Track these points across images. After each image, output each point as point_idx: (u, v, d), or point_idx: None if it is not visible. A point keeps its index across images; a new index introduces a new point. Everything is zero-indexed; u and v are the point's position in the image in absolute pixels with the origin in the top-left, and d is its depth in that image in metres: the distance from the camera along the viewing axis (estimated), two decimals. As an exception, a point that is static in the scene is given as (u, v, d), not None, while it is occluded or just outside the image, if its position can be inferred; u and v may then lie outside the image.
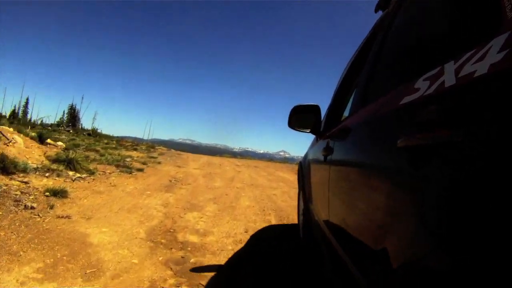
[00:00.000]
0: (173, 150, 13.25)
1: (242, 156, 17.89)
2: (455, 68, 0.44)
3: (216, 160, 11.06)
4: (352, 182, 0.88)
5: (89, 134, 14.10)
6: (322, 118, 1.65)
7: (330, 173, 1.15)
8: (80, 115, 20.63)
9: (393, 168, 0.59)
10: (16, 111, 19.46)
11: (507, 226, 0.30)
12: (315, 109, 1.60)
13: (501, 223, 0.30)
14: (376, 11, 1.14)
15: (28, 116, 19.17)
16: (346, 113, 1.54)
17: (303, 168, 2.24)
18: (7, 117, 15.37)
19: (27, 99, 19.71)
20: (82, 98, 28.94)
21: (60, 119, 19.62)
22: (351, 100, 1.38)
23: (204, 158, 11.06)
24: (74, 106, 20.35)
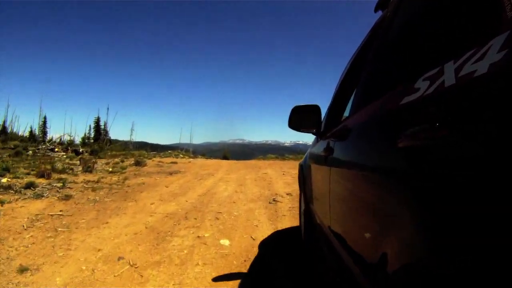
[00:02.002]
0: (185, 162, 10.52)
1: (293, 153, 14.76)
2: (455, 68, 0.44)
3: (235, 175, 6.86)
4: (353, 183, 0.88)
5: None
6: (322, 119, 1.65)
7: (331, 173, 1.15)
8: (108, 127, 19.74)
9: (394, 168, 0.59)
10: (33, 131, 18.53)
11: (507, 226, 0.29)
12: (315, 109, 1.60)
13: (502, 223, 0.30)
14: (375, 11, 1.14)
15: (48, 136, 18.14)
16: (346, 114, 1.54)
17: (304, 169, 2.24)
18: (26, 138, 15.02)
19: (45, 118, 18.64)
20: (108, 109, 27.42)
21: (85, 135, 18.67)
22: (351, 100, 1.38)
23: (216, 176, 6.75)
24: (99, 119, 19.31)
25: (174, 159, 10.38)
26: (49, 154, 9.60)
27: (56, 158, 8.58)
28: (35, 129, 18.77)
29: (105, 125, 19.66)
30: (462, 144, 0.38)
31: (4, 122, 18.00)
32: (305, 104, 1.64)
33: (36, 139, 16.24)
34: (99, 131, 18.86)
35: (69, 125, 46.79)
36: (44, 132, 18.50)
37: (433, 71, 0.52)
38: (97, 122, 19.06)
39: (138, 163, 8.04)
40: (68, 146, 12.61)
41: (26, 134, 17.46)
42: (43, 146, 10.67)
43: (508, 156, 0.30)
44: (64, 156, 9.37)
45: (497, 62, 0.35)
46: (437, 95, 0.47)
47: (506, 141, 0.31)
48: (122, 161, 8.63)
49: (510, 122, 0.31)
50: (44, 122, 18.58)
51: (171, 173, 6.80)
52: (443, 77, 0.47)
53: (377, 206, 0.66)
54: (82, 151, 10.88)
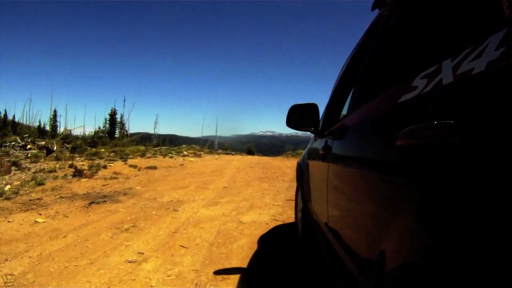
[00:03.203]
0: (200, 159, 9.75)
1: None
2: (453, 66, 0.44)
3: (230, 206, 3.76)
4: (351, 181, 0.88)
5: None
6: (320, 117, 1.65)
7: (329, 171, 1.15)
8: (125, 120, 19.14)
9: (392, 166, 0.59)
10: (42, 125, 18.35)
11: (507, 224, 0.29)
12: (313, 107, 1.60)
13: (501, 222, 0.30)
14: (373, 9, 1.14)
15: (60, 130, 17.91)
16: (344, 112, 1.54)
17: (302, 167, 2.25)
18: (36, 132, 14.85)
19: (55, 111, 18.42)
20: (124, 100, 24.62)
21: (99, 128, 18.30)
22: (349, 98, 1.38)
23: (178, 218, 3.28)
24: (114, 110, 18.60)
25: (161, 161, 8.48)
26: (12, 152, 8.15)
27: (12, 158, 7.16)
28: (45, 123, 18.34)
29: (121, 117, 19.17)
30: (460, 142, 0.38)
31: (14, 116, 17.90)
32: (303, 102, 1.64)
33: (46, 133, 16.01)
34: (114, 124, 18.34)
35: (92, 118, 45.75)
36: (54, 125, 18.26)
37: (430, 69, 0.52)
38: (112, 114, 18.41)
39: (78, 173, 5.61)
40: (64, 141, 11.92)
41: (35, 127, 17.17)
42: (13, 143, 9.56)
43: (506, 154, 0.30)
44: (29, 155, 7.89)
45: (495, 60, 0.35)
46: (435, 93, 0.47)
47: (504, 139, 0.31)
48: (92, 164, 6.85)
49: (508, 120, 0.31)
50: (55, 116, 18.32)
51: (92, 203, 3.74)
52: (440, 75, 0.47)
53: (375, 204, 0.66)
54: (54, 147, 9.43)
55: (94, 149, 10.22)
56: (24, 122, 18.05)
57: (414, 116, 0.52)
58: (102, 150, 10.69)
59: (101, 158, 8.38)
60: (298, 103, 1.64)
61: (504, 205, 0.30)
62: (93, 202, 3.80)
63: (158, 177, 6.18)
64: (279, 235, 2.62)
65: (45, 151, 8.72)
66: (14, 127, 15.95)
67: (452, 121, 0.40)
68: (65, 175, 5.65)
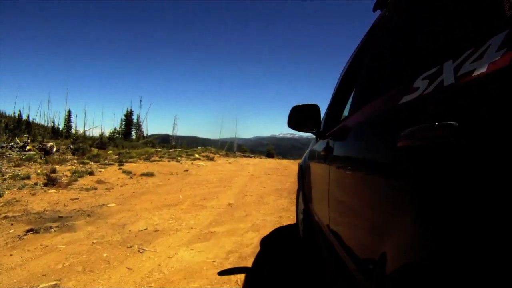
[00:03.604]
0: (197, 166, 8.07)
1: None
2: (454, 67, 0.44)
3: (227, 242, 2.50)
4: (352, 182, 0.88)
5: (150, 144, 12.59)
6: (321, 118, 1.65)
7: (330, 173, 1.15)
8: (141, 121, 18.97)
9: (393, 167, 0.59)
10: (57, 126, 18.25)
11: (507, 225, 0.29)
12: (315, 109, 1.60)
13: (502, 224, 0.30)
14: (374, 10, 1.14)
15: (73, 130, 18.00)
16: (345, 113, 1.54)
17: (303, 168, 2.24)
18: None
19: (69, 112, 18.40)
20: (140, 101, 26.21)
21: (115, 129, 18.19)
22: (350, 99, 1.38)
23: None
24: (130, 111, 18.44)
25: (164, 166, 7.62)
26: (9, 153, 7.44)
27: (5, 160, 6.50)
28: (58, 123, 18.51)
29: (138, 118, 19.03)
30: (461, 143, 0.38)
31: (28, 116, 17.98)
32: (304, 103, 1.64)
33: (60, 133, 16.04)
34: (130, 125, 18.20)
35: (111, 119, 46.06)
36: (69, 126, 18.31)
37: (432, 70, 0.52)
38: (127, 115, 18.31)
39: (51, 182, 4.67)
40: (73, 142, 11.41)
41: (51, 126, 17.28)
42: (11, 144, 8.71)
43: (507, 155, 0.30)
44: (23, 157, 7.06)
45: (496, 61, 0.35)
46: (436, 94, 0.47)
47: (505, 140, 0.31)
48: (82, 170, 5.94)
49: (509, 121, 0.31)
50: (69, 116, 18.31)
51: (30, 232, 2.63)
52: (442, 76, 0.47)
53: (376, 205, 0.66)
54: (53, 148, 8.65)
55: (96, 151, 9.53)
56: (42, 123, 18.19)
57: (415, 117, 0.52)
58: (110, 152, 10.21)
59: (98, 162, 7.47)
60: (299, 104, 1.64)
61: (505, 206, 0.30)
62: (32, 230, 2.63)
63: (149, 188, 5.03)
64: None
65: (43, 153, 8.00)
66: (28, 127, 16.04)
67: (453, 123, 0.40)
68: (35, 184, 4.62)
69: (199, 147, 14.13)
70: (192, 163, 8.87)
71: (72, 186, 4.75)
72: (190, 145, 16.51)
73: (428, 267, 0.41)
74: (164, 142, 17.60)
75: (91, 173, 5.73)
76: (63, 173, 5.55)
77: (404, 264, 0.49)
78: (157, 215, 3.26)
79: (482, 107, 0.36)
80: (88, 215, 3.22)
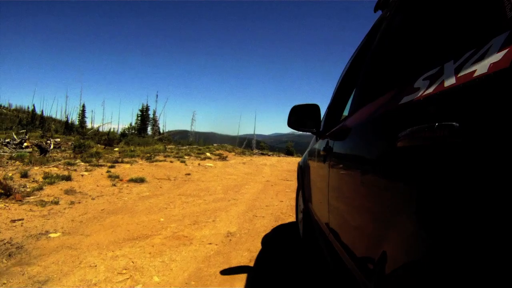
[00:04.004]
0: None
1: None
2: (455, 68, 0.44)
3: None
4: (352, 182, 0.88)
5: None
6: (321, 118, 1.65)
7: (330, 172, 1.15)
8: (157, 116, 18.37)
9: (393, 168, 0.59)
10: (71, 121, 17.91)
11: (507, 227, 0.29)
12: (315, 108, 1.61)
13: (501, 224, 0.30)
14: (375, 10, 1.14)
15: (88, 125, 17.71)
16: (345, 113, 1.54)
17: (303, 167, 2.25)
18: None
19: (83, 107, 17.98)
20: (157, 96, 24.55)
21: (130, 124, 17.71)
22: (350, 99, 1.38)
23: None
24: (146, 106, 17.88)
25: (164, 168, 6.51)
26: (2, 151, 6.61)
27: None
28: (73, 118, 18.15)
29: (154, 113, 18.44)
30: (461, 144, 0.38)
31: (42, 111, 17.91)
32: (304, 103, 1.64)
33: (74, 128, 15.70)
34: (144, 120, 17.70)
35: (130, 114, 45.21)
36: (83, 121, 17.98)
37: (432, 71, 0.52)
38: (143, 110, 17.86)
39: (5, 192, 3.43)
40: (82, 137, 10.78)
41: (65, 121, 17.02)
42: (7, 140, 7.83)
43: (508, 156, 0.30)
44: (14, 155, 6.13)
45: (497, 62, 0.35)
46: (436, 95, 0.47)
47: (506, 141, 0.31)
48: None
49: (510, 122, 0.31)
50: (83, 111, 17.93)
51: None
52: (442, 77, 0.47)
53: (376, 205, 0.66)
54: (50, 146, 7.83)
55: (95, 149, 8.35)
56: (59, 118, 17.96)
57: (415, 117, 0.52)
58: (116, 149, 9.23)
59: (90, 162, 6.36)
60: (299, 103, 1.65)
61: (505, 207, 0.30)
62: None
63: (127, 202, 3.79)
64: None
65: (38, 151, 7.20)
66: (42, 122, 15.91)
67: (453, 123, 0.40)
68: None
69: (215, 144, 13.22)
70: (199, 164, 7.85)
71: (31, 198, 3.58)
72: (208, 142, 16.12)
73: (427, 267, 0.42)
74: (183, 138, 17.21)
75: (68, 179, 4.56)
76: (33, 178, 4.38)
77: (403, 264, 0.49)
78: (107, 261, 2.01)
79: (483, 108, 0.36)
80: (9, 255, 2.09)
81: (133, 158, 7.55)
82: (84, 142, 8.63)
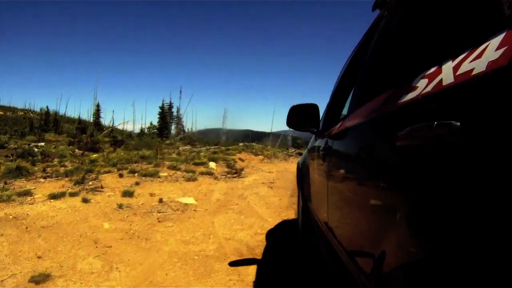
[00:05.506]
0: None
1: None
2: (453, 66, 0.44)
3: None
4: (351, 181, 0.88)
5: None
6: (320, 117, 1.65)
7: (329, 172, 1.15)
8: (181, 114, 16.71)
9: (392, 167, 0.59)
10: (86, 119, 16.99)
11: (507, 227, 0.29)
12: (314, 108, 1.61)
13: (501, 224, 0.30)
14: (373, 9, 1.14)
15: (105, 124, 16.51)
16: (344, 112, 1.54)
17: (302, 167, 2.25)
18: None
19: (98, 106, 16.86)
20: (180, 91, 19.83)
21: (151, 123, 15.95)
22: (349, 98, 1.38)
23: None
24: (169, 103, 16.04)
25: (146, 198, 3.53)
26: None
27: None
28: (88, 117, 16.92)
29: (178, 111, 16.85)
30: (460, 143, 0.38)
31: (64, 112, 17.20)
32: (303, 103, 1.64)
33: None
34: (165, 119, 15.84)
35: (152, 114, 43.84)
36: (97, 122, 17.01)
37: (431, 69, 0.52)
38: (163, 107, 16.12)
39: None
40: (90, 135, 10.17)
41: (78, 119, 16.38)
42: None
43: (507, 155, 0.30)
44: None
45: (495, 60, 0.35)
46: (435, 93, 0.47)
47: (505, 139, 0.31)
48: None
49: (509, 120, 0.31)
50: (97, 111, 16.99)
51: None
52: (441, 75, 0.47)
53: (375, 204, 0.66)
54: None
55: (94, 156, 6.58)
56: (85, 118, 16.99)
57: (414, 116, 0.52)
58: (122, 153, 7.23)
59: (69, 176, 4.57)
60: (298, 103, 1.65)
61: (505, 206, 0.30)
62: None
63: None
64: None
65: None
66: (56, 124, 15.40)
67: (452, 122, 0.40)
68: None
69: (240, 144, 10.31)
70: (200, 186, 4.44)
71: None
72: (244, 139, 14.32)
73: (426, 266, 0.42)
74: (217, 137, 15.41)
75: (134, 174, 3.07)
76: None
77: (402, 263, 0.49)
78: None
79: (482, 106, 0.36)
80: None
81: (136, 169, 5.00)
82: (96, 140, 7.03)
